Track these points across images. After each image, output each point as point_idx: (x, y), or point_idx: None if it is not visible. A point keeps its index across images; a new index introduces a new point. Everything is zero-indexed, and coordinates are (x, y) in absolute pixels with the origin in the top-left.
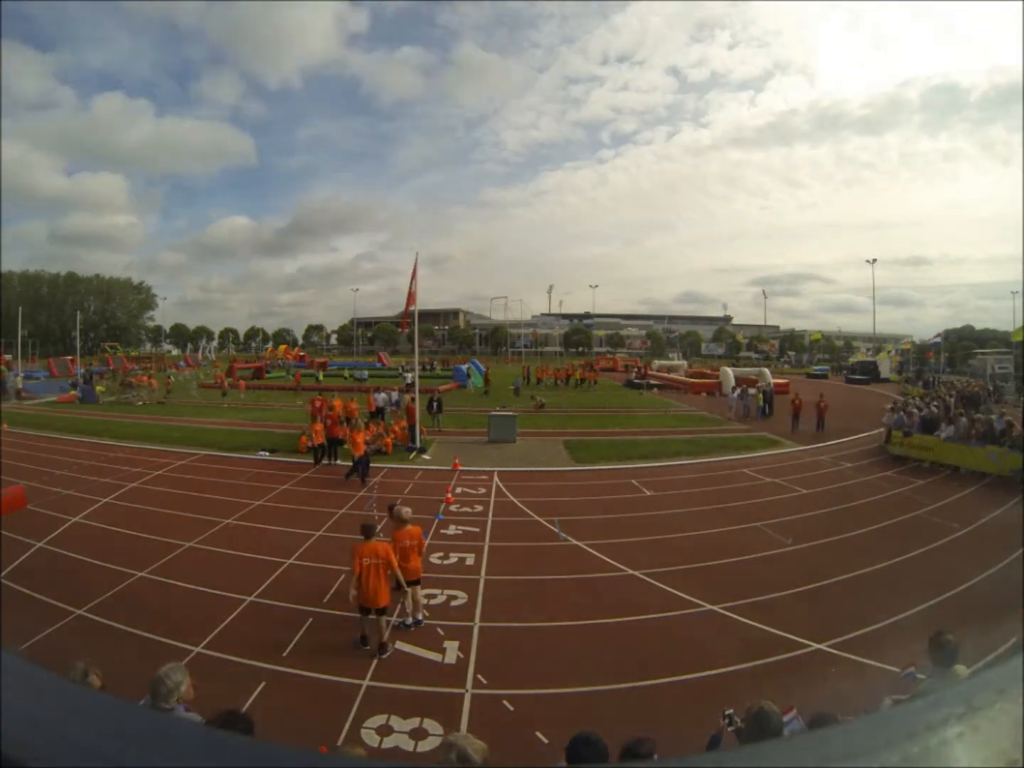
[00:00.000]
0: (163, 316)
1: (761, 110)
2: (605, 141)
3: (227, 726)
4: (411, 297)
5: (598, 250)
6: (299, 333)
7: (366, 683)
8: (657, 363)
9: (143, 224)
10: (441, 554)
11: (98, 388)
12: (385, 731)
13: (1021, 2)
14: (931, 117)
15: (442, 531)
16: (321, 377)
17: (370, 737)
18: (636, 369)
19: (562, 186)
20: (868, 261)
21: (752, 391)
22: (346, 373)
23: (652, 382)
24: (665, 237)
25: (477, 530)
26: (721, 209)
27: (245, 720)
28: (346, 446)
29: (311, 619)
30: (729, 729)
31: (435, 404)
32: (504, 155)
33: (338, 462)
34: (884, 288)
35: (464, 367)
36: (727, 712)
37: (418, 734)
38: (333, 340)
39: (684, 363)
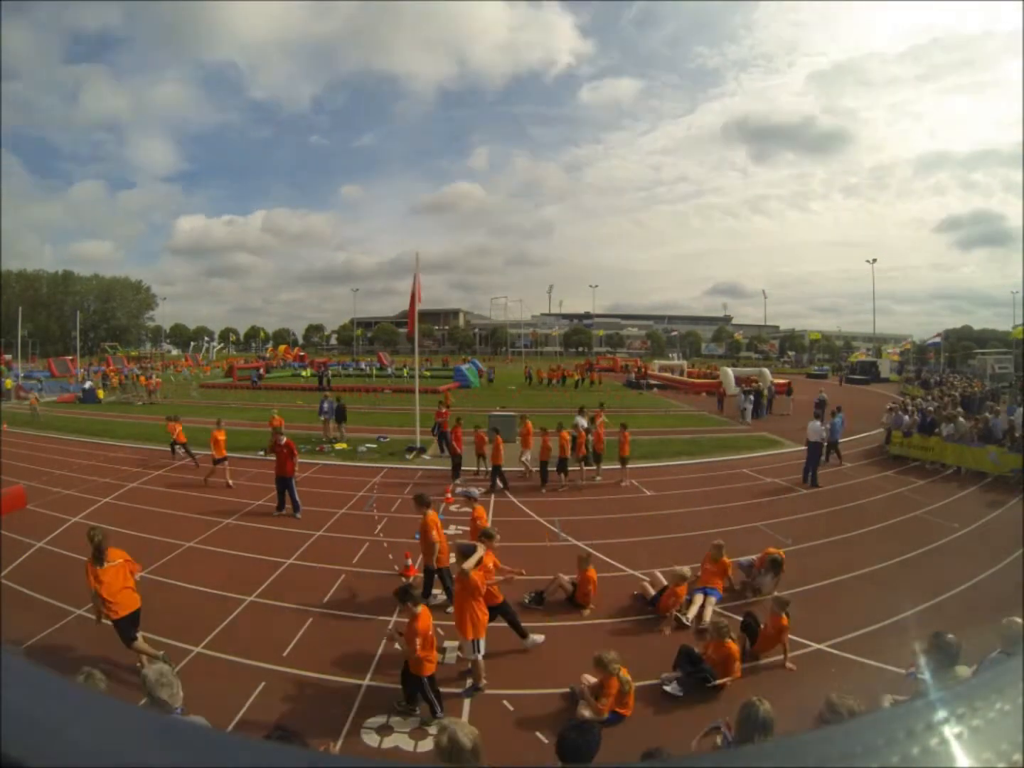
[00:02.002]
0: (162, 317)
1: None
2: (664, 179)
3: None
4: (414, 299)
5: (615, 254)
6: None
7: (366, 683)
8: (657, 363)
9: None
10: None
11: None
12: (385, 731)
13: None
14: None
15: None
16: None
17: (370, 737)
18: (636, 369)
19: (612, 208)
20: (868, 261)
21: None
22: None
23: (652, 382)
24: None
25: None
26: (742, 227)
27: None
28: None
29: (311, 619)
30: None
31: (326, 406)
32: (582, 186)
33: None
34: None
35: (464, 367)
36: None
37: (418, 734)
38: (333, 340)
39: (684, 363)
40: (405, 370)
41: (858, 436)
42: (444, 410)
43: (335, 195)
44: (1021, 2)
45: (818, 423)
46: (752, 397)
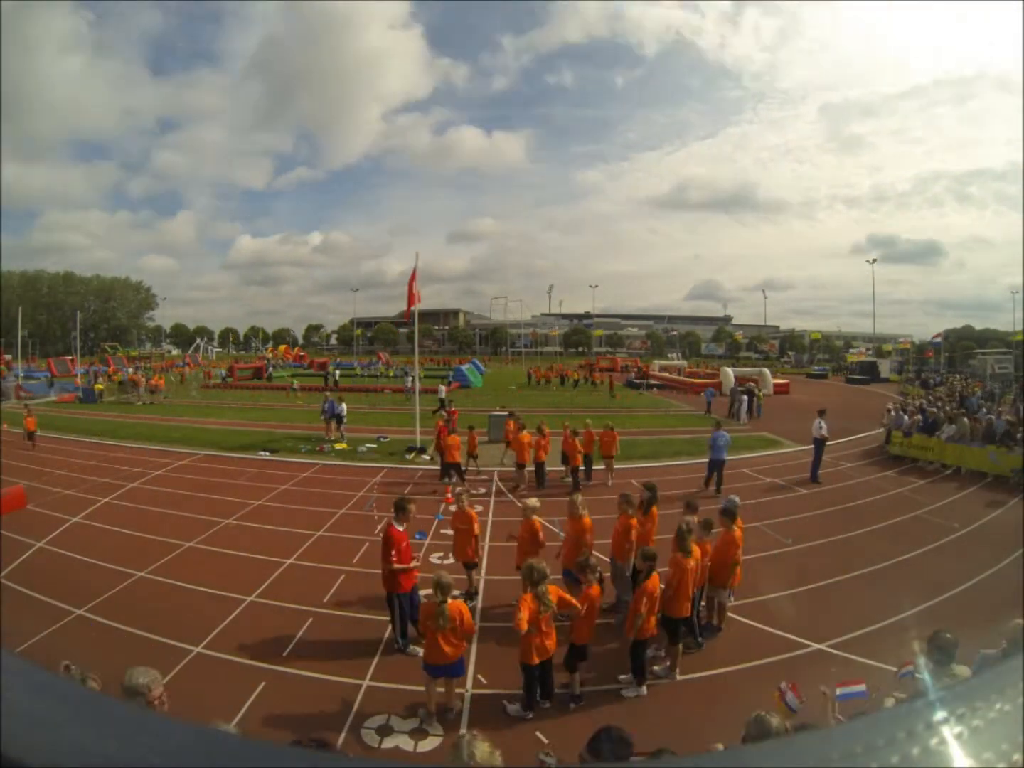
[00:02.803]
0: (163, 317)
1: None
2: (679, 198)
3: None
4: (413, 297)
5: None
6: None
7: (366, 683)
8: (658, 363)
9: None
10: (441, 554)
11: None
12: (385, 731)
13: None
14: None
15: (442, 531)
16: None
17: (370, 737)
18: (636, 369)
19: (625, 216)
20: (868, 261)
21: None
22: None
23: (652, 382)
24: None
25: None
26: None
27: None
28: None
29: (311, 619)
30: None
31: (327, 407)
32: (602, 196)
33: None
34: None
35: (464, 367)
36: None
37: (418, 734)
38: (333, 340)
39: (684, 363)
40: (391, 370)
41: (858, 436)
42: (452, 410)
43: (377, 217)
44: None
45: (818, 421)
46: (745, 397)
